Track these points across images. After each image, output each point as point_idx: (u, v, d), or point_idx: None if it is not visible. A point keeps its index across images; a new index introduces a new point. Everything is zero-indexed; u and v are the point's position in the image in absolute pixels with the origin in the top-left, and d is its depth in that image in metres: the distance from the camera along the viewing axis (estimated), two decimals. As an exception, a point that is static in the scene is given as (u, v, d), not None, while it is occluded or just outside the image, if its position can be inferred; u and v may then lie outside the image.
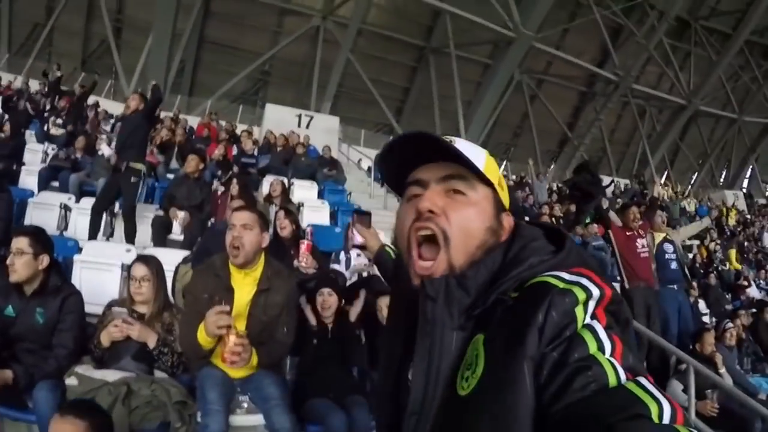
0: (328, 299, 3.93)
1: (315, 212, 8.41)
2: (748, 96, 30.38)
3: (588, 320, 0.81)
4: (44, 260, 3.18)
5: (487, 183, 0.99)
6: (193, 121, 15.50)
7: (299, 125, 15.78)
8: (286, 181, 8.86)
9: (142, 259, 3.51)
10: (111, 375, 2.92)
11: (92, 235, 6.15)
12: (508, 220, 1.02)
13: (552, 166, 25.04)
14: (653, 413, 0.70)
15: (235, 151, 11.19)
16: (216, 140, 11.71)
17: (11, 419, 2.84)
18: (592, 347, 0.78)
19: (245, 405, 3.05)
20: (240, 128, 14.83)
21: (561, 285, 0.84)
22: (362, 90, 22.96)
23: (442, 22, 22.43)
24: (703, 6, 27.08)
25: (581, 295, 0.83)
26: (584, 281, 0.85)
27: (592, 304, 0.82)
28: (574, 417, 0.73)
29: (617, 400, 0.72)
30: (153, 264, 3.43)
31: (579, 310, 0.82)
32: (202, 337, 2.75)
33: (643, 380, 0.74)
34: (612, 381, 0.75)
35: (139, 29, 20.01)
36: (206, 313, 2.70)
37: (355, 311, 4.11)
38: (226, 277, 3.06)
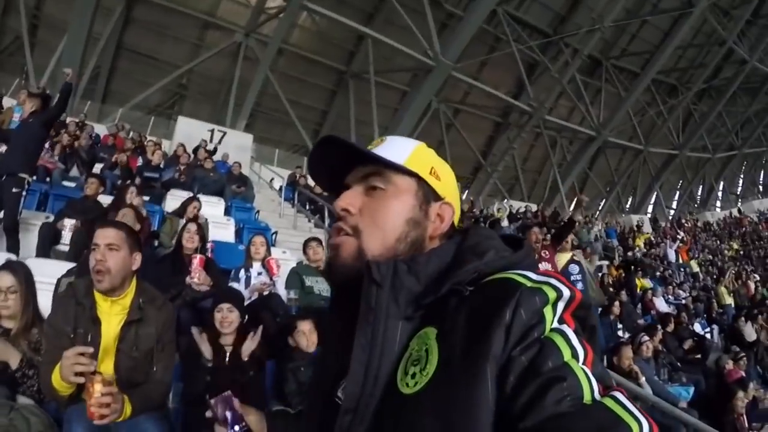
0: (228, 315, 3.56)
1: (220, 229, 8.23)
2: (653, 129, 32.03)
3: (556, 324, 0.76)
4: None
5: (411, 174, 0.98)
6: (104, 130, 14.96)
7: (211, 141, 15.55)
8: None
9: (7, 266, 3.06)
10: None
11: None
12: (446, 210, 1.00)
13: (466, 192, 25.68)
14: None
15: (140, 162, 10.89)
16: (121, 150, 11.29)
17: None
18: (566, 354, 0.73)
19: None
20: (149, 139, 14.39)
21: (529, 283, 0.79)
22: (279, 110, 22.74)
23: (364, 48, 22.61)
24: (615, 47, 28.45)
25: (551, 294, 0.78)
26: (553, 281, 0.80)
27: (561, 306, 0.78)
28: None
29: (597, 420, 0.68)
30: (21, 272, 3.01)
31: (548, 311, 0.77)
32: (57, 382, 2.26)
33: (619, 396, 0.71)
34: (587, 396, 0.70)
35: (56, 29, 18.97)
36: (65, 353, 2.21)
37: (247, 349, 3.56)
38: (90, 306, 2.59)
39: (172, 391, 3.45)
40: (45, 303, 3.25)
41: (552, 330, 0.75)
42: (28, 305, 2.97)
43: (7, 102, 11.78)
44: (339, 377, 0.93)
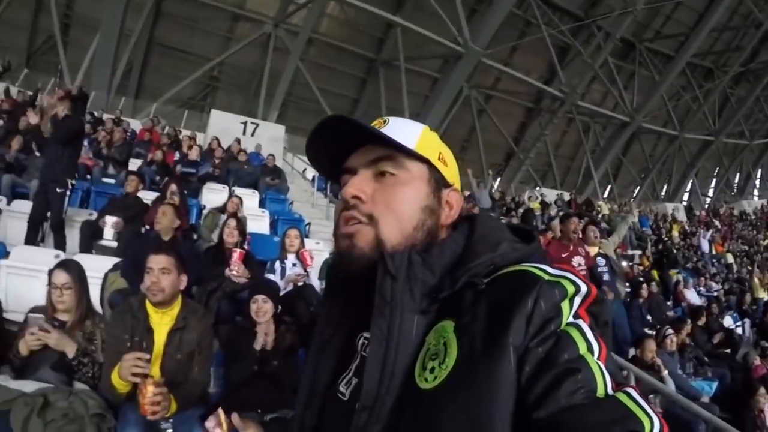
0: (263, 306, 3.73)
1: (255, 221, 8.33)
2: (689, 114, 31.50)
3: (572, 318, 0.76)
4: None
5: (422, 160, 0.94)
6: (138, 125, 15.29)
7: (244, 133, 15.67)
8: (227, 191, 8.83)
9: (62, 265, 3.35)
10: (28, 386, 2.82)
11: (30, 243, 5.92)
12: (454, 197, 0.97)
13: (498, 179, 25.55)
14: (646, 430, 0.66)
15: (176, 156, 11.05)
16: (157, 145, 11.47)
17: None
18: (582, 348, 0.73)
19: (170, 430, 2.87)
20: (184, 134, 14.51)
21: (547, 276, 0.78)
22: (311, 99, 22.82)
23: (393, 36, 22.62)
24: (648, 29, 27.99)
25: (570, 289, 0.77)
26: (570, 276, 0.79)
27: (577, 301, 0.77)
28: (563, 428, 0.68)
29: (610, 414, 0.68)
30: (74, 270, 3.30)
31: (565, 306, 0.76)
32: (116, 380, 2.72)
33: (632, 392, 0.70)
34: (600, 389, 0.70)
35: (88, 27, 19.42)
36: (124, 355, 2.69)
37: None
38: (144, 318, 3.07)
39: (213, 375, 3.66)
40: (93, 296, 3.54)
41: (568, 324, 0.75)
42: (81, 300, 3.26)
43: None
44: (338, 371, 0.94)
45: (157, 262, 3.11)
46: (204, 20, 21.53)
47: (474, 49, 20.37)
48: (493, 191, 17.26)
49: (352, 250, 0.90)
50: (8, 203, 6.83)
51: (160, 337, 3.05)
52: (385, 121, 0.96)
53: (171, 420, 2.78)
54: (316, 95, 22.18)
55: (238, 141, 13.89)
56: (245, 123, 16.34)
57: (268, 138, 15.92)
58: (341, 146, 0.95)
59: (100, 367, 3.03)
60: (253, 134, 15.92)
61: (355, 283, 0.91)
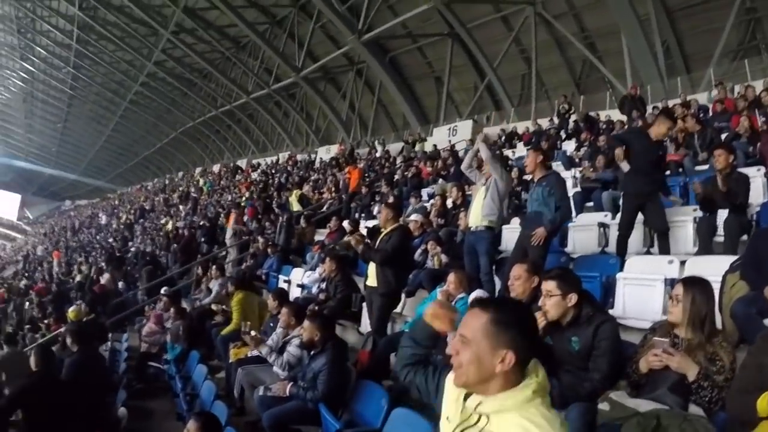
0: None
1: None
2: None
3: None
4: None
5: None
6: (701, 97, 14.50)
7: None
8: None
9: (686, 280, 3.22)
10: (644, 405, 2.83)
11: (620, 252, 6.05)
12: None
13: None
14: None
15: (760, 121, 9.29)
16: (736, 112, 10.14)
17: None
18: None
19: None
20: (759, 88, 12.10)
21: None
22: None
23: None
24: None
25: None
26: None
27: None
28: None
29: None
30: (689, 283, 3.14)
31: None
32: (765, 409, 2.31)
33: None
34: None
35: (609, 34, 20.75)
36: None
37: None
38: None
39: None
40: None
41: None
42: (696, 316, 3.03)
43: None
44: None
45: None
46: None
47: None
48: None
49: None
50: (613, 217, 7.11)
51: None
52: None
53: None
54: None
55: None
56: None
57: None
58: None
59: (720, 392, 2.83)
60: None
61: None
